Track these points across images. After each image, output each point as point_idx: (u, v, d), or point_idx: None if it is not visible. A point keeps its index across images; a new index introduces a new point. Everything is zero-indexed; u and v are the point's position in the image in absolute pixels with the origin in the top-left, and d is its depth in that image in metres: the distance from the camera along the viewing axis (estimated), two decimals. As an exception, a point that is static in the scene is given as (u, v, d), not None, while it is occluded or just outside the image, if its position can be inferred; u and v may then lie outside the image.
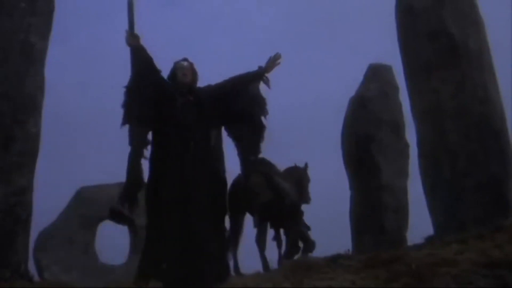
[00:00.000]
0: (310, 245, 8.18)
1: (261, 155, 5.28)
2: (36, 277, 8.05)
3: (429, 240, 7.01)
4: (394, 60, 8.93)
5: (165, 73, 5.02)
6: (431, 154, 7.50)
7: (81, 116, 22.12)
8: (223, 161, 4.99)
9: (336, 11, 32.63)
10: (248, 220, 7.99)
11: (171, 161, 4.69)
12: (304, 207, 8.54)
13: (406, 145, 9.61)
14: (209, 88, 5.03)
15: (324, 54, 29.33)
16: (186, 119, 4.78)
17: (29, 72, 7.57)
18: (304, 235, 8.25)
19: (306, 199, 8.60)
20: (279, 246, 8.12)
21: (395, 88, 9.94)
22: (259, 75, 5.08)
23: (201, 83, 5.07)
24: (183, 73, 4.96)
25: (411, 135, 8.61)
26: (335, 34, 30.71)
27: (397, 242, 8.54)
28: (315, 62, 28.18)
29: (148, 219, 4.78)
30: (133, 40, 4.85)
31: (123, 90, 4.88)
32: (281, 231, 8.22)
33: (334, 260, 6.09)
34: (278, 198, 7.78)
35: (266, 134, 5.08)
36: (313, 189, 8.73)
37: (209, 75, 5.23)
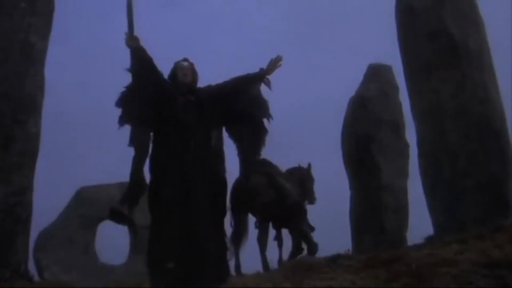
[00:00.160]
0: (313, 247, 8.17)
1: (261, 156, 5.27)
2: (36, 277, 8.06)
3: (429, 240, 7.01)
4: (394, 60, 8.95)
5: (165, 74, 5.02)
6: (431, 154, 7.50)
7: (81, 116, 22.16)
8: (224, 161, 4.98)
9: (336, 11, 32.69)
10: (249, 220, 8.00)
11: (171, 161, 4.69)
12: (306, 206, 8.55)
13: (406, 145, 9.61)
14: (209, 89, 5.03)
15: (324, 55, 29.40)
16: (186, 119, 4.78)
17: (29, 72, 7.57)
18: (306, 237, 8.24)
19: (311, 199, 8.61)
20: (280, 246, 8.12)
21: (395, 88, 9.94)
22: (260, 76, 5.08)
23: (201, 83, 5.08)
24: (184, 73, 4.96)
25: (411, 135, 8.63)
26: (335, 34, 30.74)
27: (397, 242, 8.54)
28: (315, 62, 28.23)
29: (151, 219, 4.78)
30: (132, 42, 4.85)
31: (123, 90, 4.88)
32: (283, 231, 8.21)
33: (334, 260, 6.09)
34: (280, 198, 7.78)
35: (268, 137, 5.08)
36: (314, 189, 8.75)
37: (209, 76, 5.23)
